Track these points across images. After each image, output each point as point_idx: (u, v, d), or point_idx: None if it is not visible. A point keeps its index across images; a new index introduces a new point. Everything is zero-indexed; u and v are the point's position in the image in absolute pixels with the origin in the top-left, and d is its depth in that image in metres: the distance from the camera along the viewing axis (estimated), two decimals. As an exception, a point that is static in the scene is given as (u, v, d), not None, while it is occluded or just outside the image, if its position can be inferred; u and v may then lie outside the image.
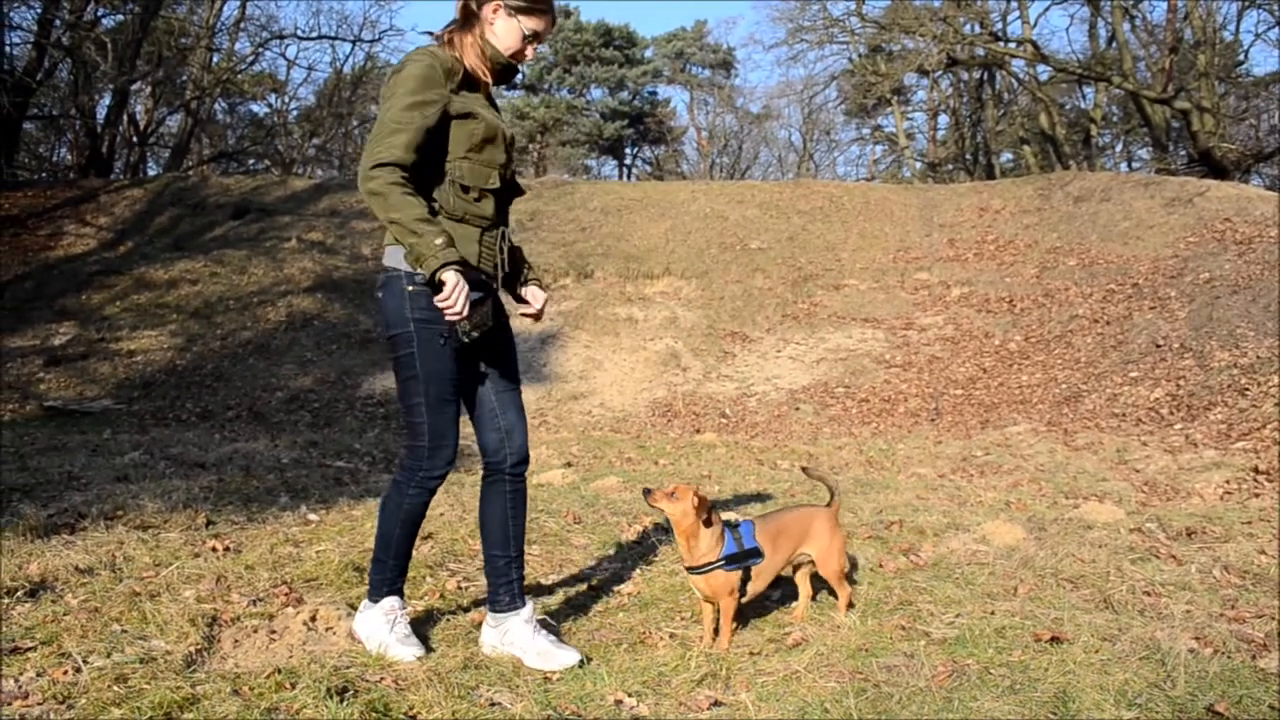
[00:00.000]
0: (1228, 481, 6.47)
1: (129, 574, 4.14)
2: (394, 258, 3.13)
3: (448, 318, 2.99)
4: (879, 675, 3.08)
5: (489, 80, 3.24)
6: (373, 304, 3.12)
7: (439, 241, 2.94)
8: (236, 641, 3.33)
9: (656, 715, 2.86)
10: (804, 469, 3.83)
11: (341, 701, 2.80)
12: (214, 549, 4.65)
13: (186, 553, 4.56)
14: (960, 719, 2.78)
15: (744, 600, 3.41)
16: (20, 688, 2.92)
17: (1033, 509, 5.79)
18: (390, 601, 3.32)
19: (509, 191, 3.34)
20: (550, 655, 3.24)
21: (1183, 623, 3.49)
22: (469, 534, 5.04)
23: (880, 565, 4.40)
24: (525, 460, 3.43)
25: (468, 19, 3.20)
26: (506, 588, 3.39)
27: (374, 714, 2.74)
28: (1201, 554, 4.50)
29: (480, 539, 3.48)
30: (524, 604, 3.37)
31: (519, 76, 3.47)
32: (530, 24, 3.20)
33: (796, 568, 3.70)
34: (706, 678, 3.10)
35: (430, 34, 3.27)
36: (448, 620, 3.58)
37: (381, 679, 3.03)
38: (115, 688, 2.89)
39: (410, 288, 3.09)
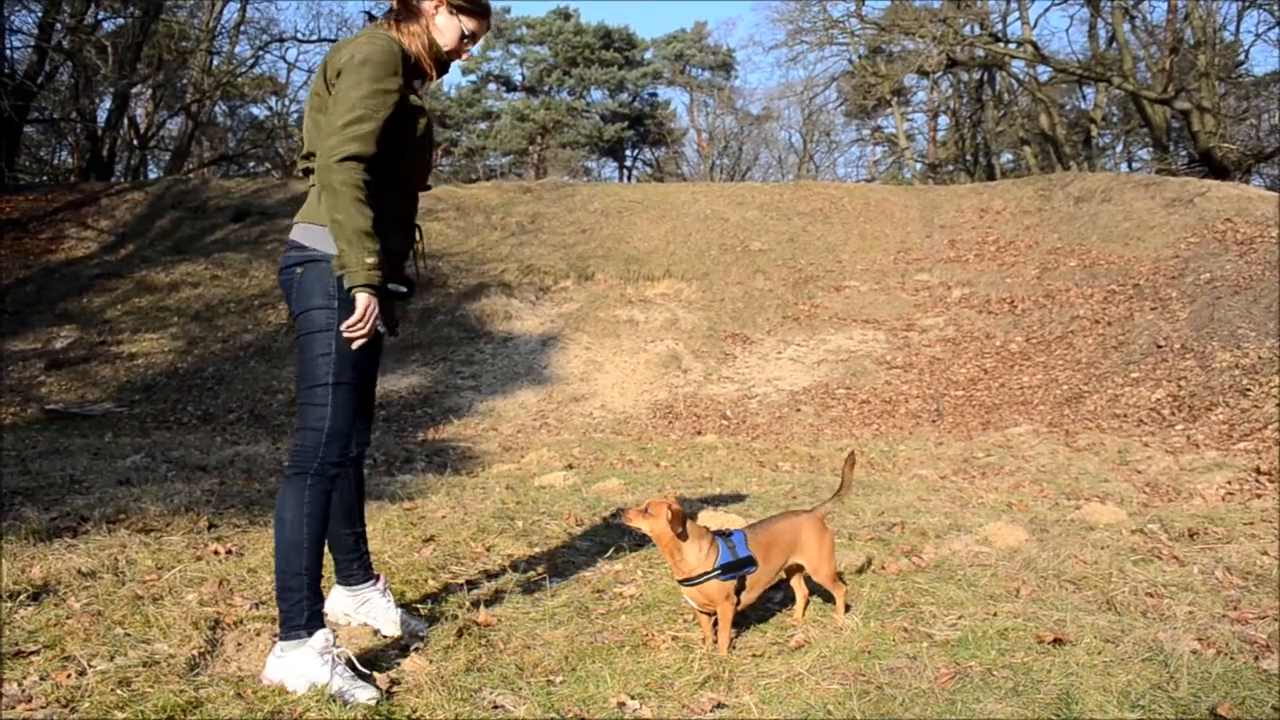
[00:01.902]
0: (1230, 482, 6.47)
1: (131, 577, 4.14)
2: (322, 241, 3.05)
3: (348, 335, 2.95)
4: (882, 677, 3.08)
5: (433, 75, 3.23)
6: (290, 282, 3.07)
7: (370, 260, 2.90)
8: (239, 645, 3.33)
9: (659, 718, 2.86)
10: (849, 458, 3.73)
11: (344, 705, 2.80)
12: (216, 552, 4.65)
13: (189, 556, 4.56)
14: (963, 721, 2.78)
15: (738, 609, 3.40)
16: (24, 691, 2.92)
17: (1034, 510, 5.79)
18: (323, 636, 2.97)
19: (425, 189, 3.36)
20: (403, 622, 3.49)
21: (1185, 624, 3.49)
22: (471, 536, 5.04)
23: (882, 567, 4.39)
24: (366, 447, 3.53)
25: (409, 10, 3.17)
26: (360, 560, 3.54)
27: (376, 717, 2.74)
28: (1204, 555, 4.50)
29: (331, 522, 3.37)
30: (379, 577, 3.57)
31: (446, 75, 3.48)
32: (469, 24, 3.22)
33: (790, 573, 3.69)
34: (709, 680, 3.10)
35: (369, 15, 3.24)
36: (449, 623, 3.58)
37: (384, 682, 3.03)
38: (118, 691, 2.89)
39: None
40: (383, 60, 2.97)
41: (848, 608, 3.70)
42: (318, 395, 3.03)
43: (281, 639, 2.99)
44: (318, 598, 3.03)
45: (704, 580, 3.28)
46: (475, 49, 3.22)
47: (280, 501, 3.04)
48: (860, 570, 4.34)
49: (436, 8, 3.18)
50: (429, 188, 3.40)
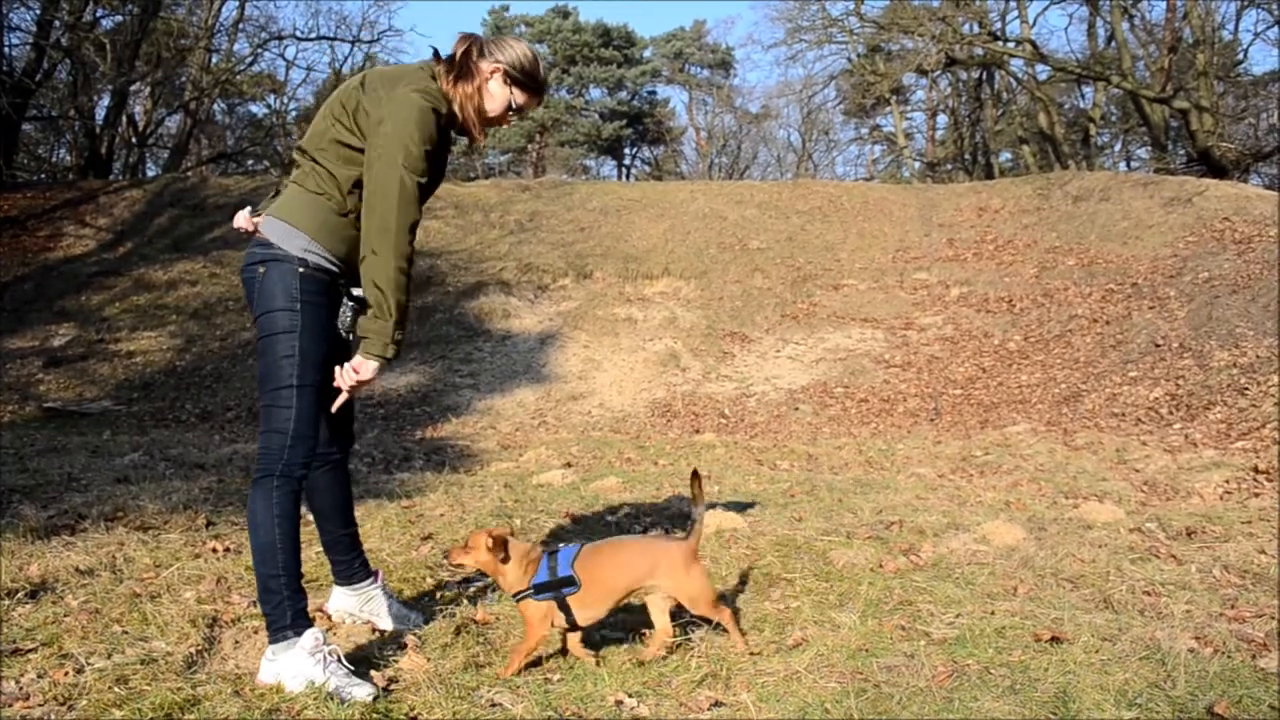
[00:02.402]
0: (1227, 481, 6.47)
1: (129, 575, 4.15)
2: (289, 240, 3.07)
3: (347, 390, 3.09)
4: (879, 675, 3.08)
5: (478, 137, 3.28)
6: (250, 281, 3.10)
7: (399, 337, 3.04)
8: (237, 643, 3.33)
9: (657, 716, 2.86)
10: (694, 475, 3.38)
11: (342, 703, 2.80)
12: (214, 550, 4.66)
13: (187, 554, 4.56)
14: (960, 719, 2.78)
15: (580, 628, 3.27)
16: (21, 689, 2.92)
17: (1032, 509, 5.80)
18: (312, 635, 2.96)
19: None
20: (403, 617, 3.54)
21: (1183, 622, 3.49)
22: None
23: (880, 565, 4.40)
24: (353, 445, 3.59)
25: (465, 69, 3.19)
26: (359, 559, 3.58)
27: (374, 715, 2.74)
28: (1201, 554, 4.50)
29: (322, 522, 3.51)
30: (377, 573, 3.61)
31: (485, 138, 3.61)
32: (519, 97, 3.27)
33: (650, 600, 3.43)
34: (707, 678, 3.10)
35: (435, 53, 3.23)
36: (447, 621, 3.58)
37: (381, 680, 3.04)
38: (116, 689, 2.89)
39: (302, 270, 3.06)
40: (429, 124, 3.04)
41: (743, 632, 3.46)
42: (282, 398, 3.03)
43: (271, 642, 2.98)
44: (300, 596, 3.02)
45: (519, 598, 3.21)
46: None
47: (250, 507, 3.04)
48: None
49: (492, 73, 3.21)
50: None
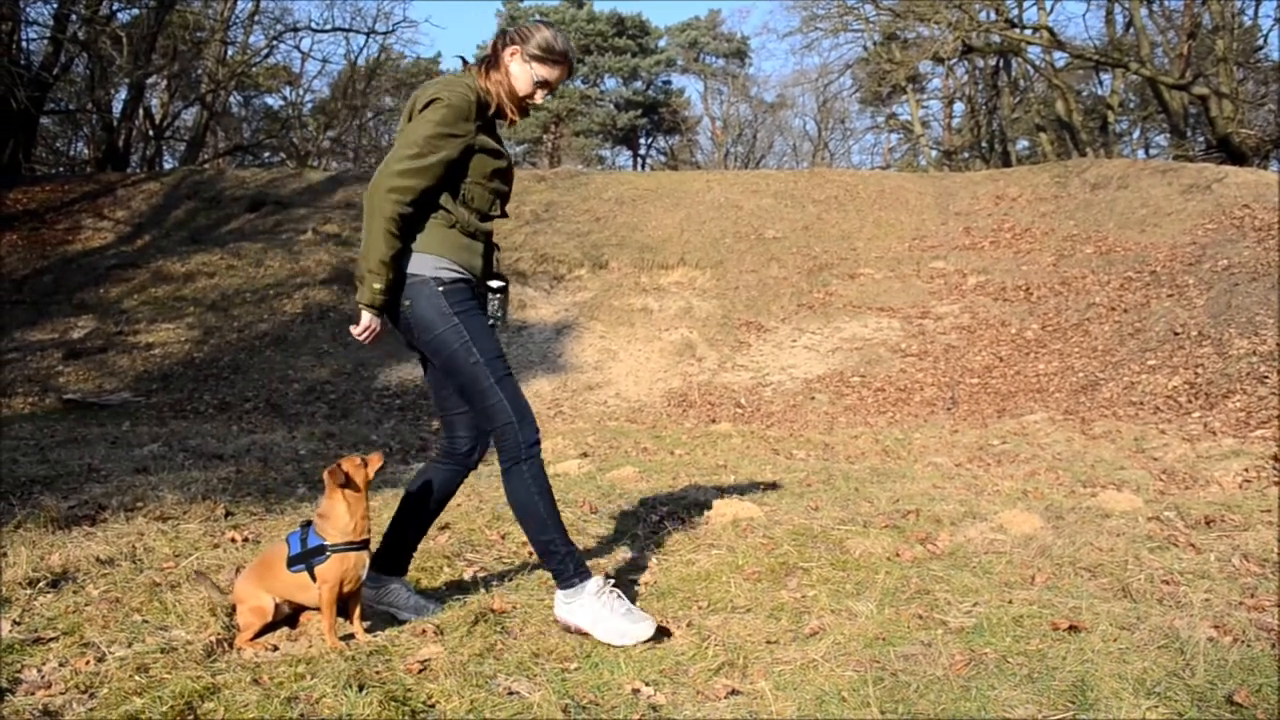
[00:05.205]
0: (1246, 470, 6.43)
1: (149, 565, 4.18)
2: (421, 267, 3.32)
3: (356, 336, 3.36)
4: (896, 664, 3.08)
5: (516, 118, 3.50)
6: (400, 317, 3.26)
7: (377, 286, 3.24)
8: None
9: (673, 704, 2.87)
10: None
11: (360, 691, 2.82)
12: (233, 540, 4.69)
13: (206, 544, 4.59)
14: (978, 708, 2.78)
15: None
16: (43, 677, 2.95)
17: (1050, 498, 5.77)
18: (595, 582, 3.38)
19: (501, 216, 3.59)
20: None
21: (1201, 611, 3.48)
22: (486, 524, 5.06)
23: (897, 554, 4.39)
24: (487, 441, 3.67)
25: (494, 59, 3.44)
26: (408, 555, 3.74)
27: (393, 703, 2.75)
28: (1220, 542, 4.48)
29: (404, 508, 3.68)
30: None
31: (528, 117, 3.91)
32: (542, 71, 3.43)
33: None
34: (724, 666, 3.10)
35: (464, 60, 3.49)
36: (464, 610, 3.59)
37: (399, 668, 3.05)
38: (136, 677, 2.91)
39: (441, 288, 3.31)
40: (455, 105, 3.27)
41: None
42: (490, 397, 3.35)
43: (561, 589, 3.41)
44: (575, 549, 3.44)
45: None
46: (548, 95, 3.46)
47: (511, 497, 3.41)
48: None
49: (513, 55, 3.41)
50: (505, 215, 3.62)
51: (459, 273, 3.36)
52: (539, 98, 3.49)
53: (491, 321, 3.43)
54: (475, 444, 3.62)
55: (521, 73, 3.41)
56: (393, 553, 3.67)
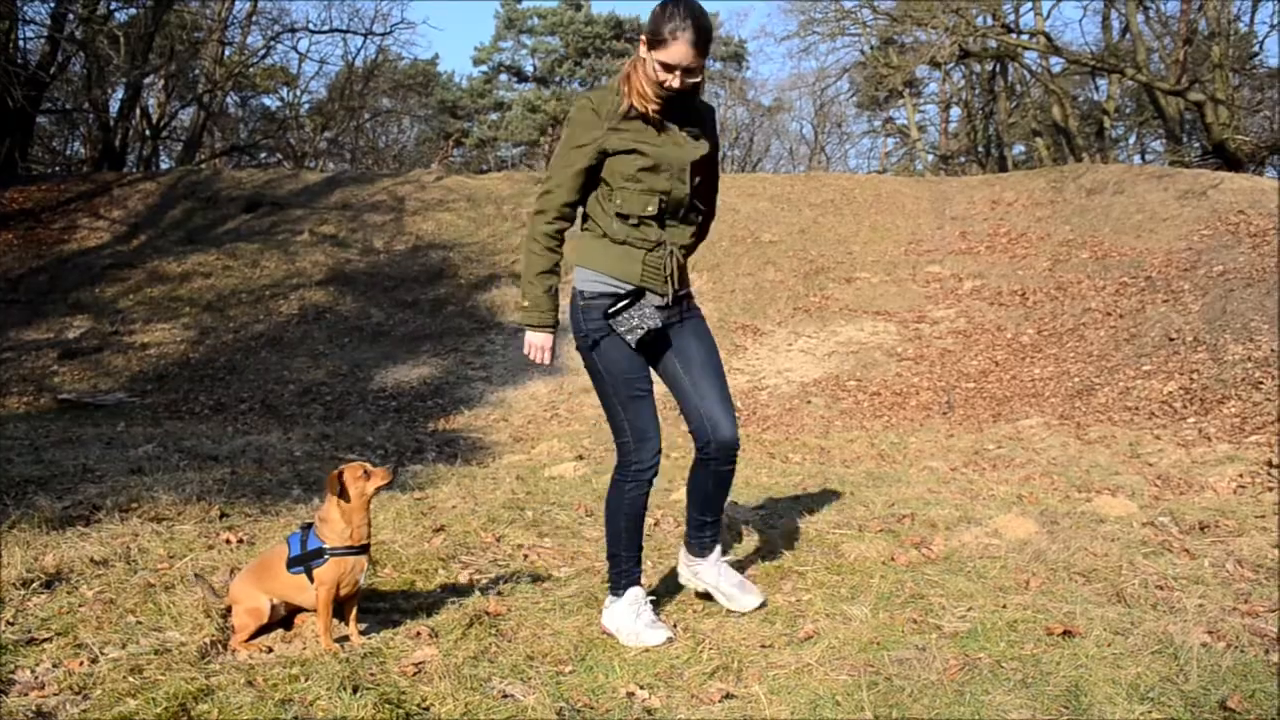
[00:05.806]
0: (1241, 475, 6.44)
1: (144, 565, 4.17)
2: (576, 281, 3.46)
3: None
4: (890, 668, 3.08)
5: (648, 110, 3.37)
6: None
7: (524, 304, 3.45)
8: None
9: (668, 707, 2.87)
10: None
11: (355, 693, 2.82)
12: (228, 541, 4.68)
13: (200, 545, 4.59)
14: (972, 713, 2.78)
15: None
16: (37, 678, 2.95)
17: (1045, 502, 5.78)
18: (633, 593, 3.53)
19: (682, 213, 3.50)
20: (734, 598, 3.72)
21: (1195, 617, 3.48)
22: (481, 526, 5.06)
23: (892, 558, 4.39)
24: (727, 448, 3.66)
25: (638, 57, 3.44)
26: (702, 541, 3.79)
27: (387, 706, 2.75)
28: (1214, 548, 4.49)
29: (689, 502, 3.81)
30: (712, 551, 3.78)
31: (687, 99, 3.70)
32: (660, 56, 3.29)
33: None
34: (718, 670, 3.11)
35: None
36: (460, 612, 3.59)
37: (394, 671, 3.05)
38: (130, 678, 2.91)
39: (582, 304, 3.45)
40: (575, 120, 3.41)
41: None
42: (616, 414, 3.51)
43: (610, 594, 3.60)
44: (636, 566, 3.60)
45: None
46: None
47: (607, 498, 3.60)
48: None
49: (642, 45, 3.39)
50: (702, 210, 3.61)
51: (607, 284, 3.40)
52: (673, 82, 3.31)
53: (640, 333, 3.39)
54: (701, 434, 3.66)
55: (650, 59, 3.34)
56: (686, 539, 3.86)
